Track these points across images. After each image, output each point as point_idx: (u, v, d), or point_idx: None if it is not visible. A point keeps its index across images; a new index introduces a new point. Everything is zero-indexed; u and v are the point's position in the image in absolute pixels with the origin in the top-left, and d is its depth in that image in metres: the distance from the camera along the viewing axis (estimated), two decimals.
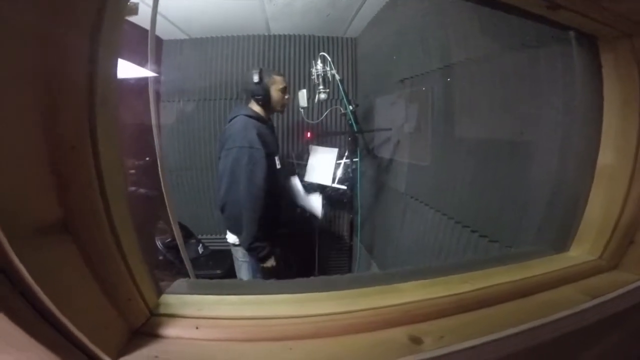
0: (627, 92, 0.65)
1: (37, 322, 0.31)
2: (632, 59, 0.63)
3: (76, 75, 0.33)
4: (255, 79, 1.49)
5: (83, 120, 0.32)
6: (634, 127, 0.65)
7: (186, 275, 1.97)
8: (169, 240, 2.06)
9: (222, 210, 1.51)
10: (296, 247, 2.07)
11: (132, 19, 0.58)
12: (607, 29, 0.61)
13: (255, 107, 1.56)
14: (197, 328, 0.44)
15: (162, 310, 0.46)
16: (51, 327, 0.32)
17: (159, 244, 2.03)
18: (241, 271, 1.65)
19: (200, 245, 2.35)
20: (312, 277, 0.56)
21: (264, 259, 1.54)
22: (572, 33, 0.71)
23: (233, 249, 1.67)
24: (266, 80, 1.53)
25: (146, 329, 0.43)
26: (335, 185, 1.79)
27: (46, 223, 0.31)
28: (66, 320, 0.32)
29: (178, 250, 2.08)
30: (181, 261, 2.02)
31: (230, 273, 2.17)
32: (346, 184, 1.81)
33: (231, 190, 1.41)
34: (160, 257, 1.99)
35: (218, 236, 2.51)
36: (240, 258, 1.62)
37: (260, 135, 1.44)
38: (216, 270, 2.16)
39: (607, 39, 0.66)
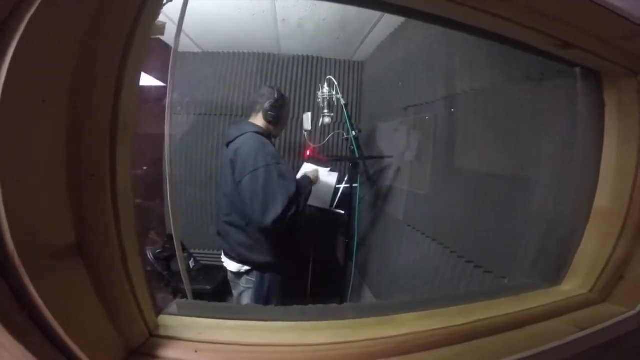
0: (627, 130, 0.67)
1: (41, 342, 0.31)
2: (635, 96, 0.64)
3: (102, 97, 0.34)
4: (276, 96, 1.48)
5: (105, 146, 0.33)
6: (631, 168, 0.67)
7: (175, 287, 1.94)
8: (159, 251, 2.04)
9: (245, 231, 1.43)
10: (290, 268, 2.05)
11: None
12: (613, 66, 0.62)
13: (260, 123, 1.50)
14: (196, 352, 0.44)
15: (161, 332, 0.46)
16: (54, 347, 0.32)
17: (149, 254, 2.01)
18: (242, 299, 1.55)
19: (192, 259, 2.32)
20: (311, 305, 0.57)
21: (311, 181, 1.52)
22: (577, 69, 0.72)
23: (233, 278, 1.59)
24: (283, 101, 1.52)
25: (145, 350, 0.43)
26: (334, 209, 1.80)
27: (60, 246, 0.31)
28: (69, 341, 0.32)
29: (167, 262, 2.07)
30: (170, 273, 2.00)
31: (221, 289, 2.15)
32: (344, 209, 1.81)
33: (268, 211, 1.29)
34: (149, 268, 1.97)
35: (211, 251, 2.48)
36: (243, 285, 1.53)
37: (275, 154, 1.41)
38: (206, 285, 2.14)
39: (612, 75, 0.67)
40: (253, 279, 1.50)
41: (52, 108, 0.29)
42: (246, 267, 1.50)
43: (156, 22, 0.43)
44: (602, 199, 0.72)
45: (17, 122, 0.26)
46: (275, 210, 1.28)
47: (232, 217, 1.46)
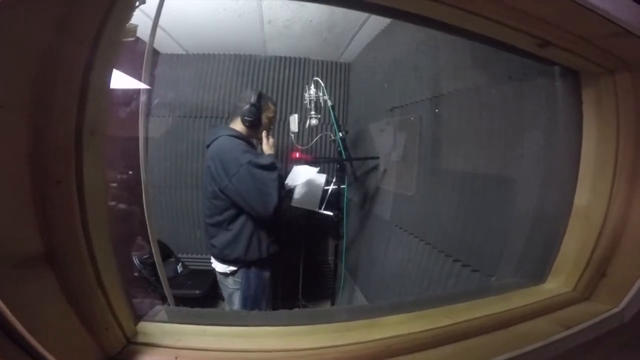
0: (605, 128, 0.68)
1: (10, 349, 0.30)
2: (612, 94, 0.65)
3: (66, 100, 0.32)
4: (253, 99, 1.47)
5: (69, 151, 0.32)
6: (609, 165, 0.68)
7: (162, 293, 1.90)
8: (146, 256, 1.99)
9: (228, 230, 1.48)
10: (280, 269, 2.03)
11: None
12: (592, 65, 0.63)
13: (239, 127, 1.51)
14: (176, 358, 0.42)
15: (140, 339, 0.44)
16: (25, 355, 0.31)
17: (135, 260, 1.96)
18: (232, 299, 1.56)
19: (180, 264, 2.28)
20: (297, 309, 0.56)
21: (275, 156, 1.53)
22: (556, 68, 0.73)
23: (222, 279, 1.58)
24: (262, 104, 1.51)
25: (122, 357, 0.42)
26: (322, 211, 1.79)
27: (26, 256, 0.30)
28: (41, 349, 0.31)
29: (154, 267, 2.01)
30: (157, 279, 1.95)
31: (210, 294, 2.12)
32: (333, 210, 1.80)
33: (267, 203, 1.38)
34: (136, 274, 1.92)
35: (199, 256, 2.44)
36: (231, 286, 1.54)
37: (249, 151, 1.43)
38: (195, 290, 2.10)
39: (590, 74, 0.68)
40: (240, 280, 1.51)
41: (11, 112, 0.27)
42: (232, 268, 1.51)
43: (128, 24, 0.41)
44: (582, 197, 0.73)
45: None
46: (272, 199, 1.37)
47: (214, 218, 1.48)
